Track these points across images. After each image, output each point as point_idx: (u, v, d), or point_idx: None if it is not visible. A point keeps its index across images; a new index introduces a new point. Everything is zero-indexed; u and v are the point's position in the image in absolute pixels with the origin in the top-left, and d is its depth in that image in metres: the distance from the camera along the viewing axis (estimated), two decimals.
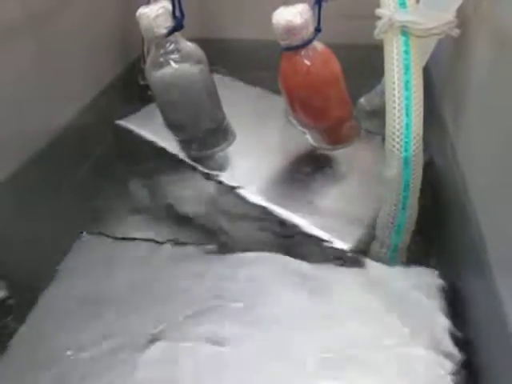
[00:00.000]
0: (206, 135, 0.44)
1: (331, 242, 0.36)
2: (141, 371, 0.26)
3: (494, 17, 0.33)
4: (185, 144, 0.45)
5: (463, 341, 0.27)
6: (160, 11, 0.38)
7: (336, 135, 0.43)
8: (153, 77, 0.41)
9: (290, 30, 0.36)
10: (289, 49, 0.37)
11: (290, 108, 0.41)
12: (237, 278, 0.31)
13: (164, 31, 0.39)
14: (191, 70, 0.40)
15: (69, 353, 0.27)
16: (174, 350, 0.27)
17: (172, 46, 0.40)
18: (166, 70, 0.40)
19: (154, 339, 0.27)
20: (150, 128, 0.49)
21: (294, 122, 0.43)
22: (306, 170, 0.43)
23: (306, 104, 0.40)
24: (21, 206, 0.42)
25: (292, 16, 0.36)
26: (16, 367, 0.27)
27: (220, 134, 0.44)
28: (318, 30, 0.37)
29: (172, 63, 0.40)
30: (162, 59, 0.40)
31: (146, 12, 0.38)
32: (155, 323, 0.28)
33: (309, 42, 0.37)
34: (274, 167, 0.44)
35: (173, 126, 0.44)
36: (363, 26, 0.37)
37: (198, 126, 0.43)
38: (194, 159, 0.45)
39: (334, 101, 0.40)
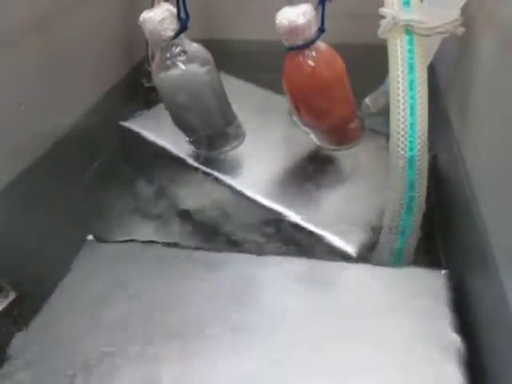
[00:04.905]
0: (216, 135, 0.44)
1: (336, 244, 0.36)
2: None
3: (499, 15, 0.33)
4: (195, 144, 0.45)
5: (469, 341, 0.27)
6: (165, 14, 0.38)
7: (340, 136, 0.43)
8: (160, 80, 0.41)
9: (292, 30, 0.36)
10: (292, 48, 0.37)
11: (294, 108, 0.41)
12: (243, 279, 0.31)
13: (170, 34, 0.38)
14: (198, 71, 0.40)
15: (72, 361, 0.27)
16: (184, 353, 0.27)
17: (178, 48, 0.40)
18: (174, 73, 0.40)
19: (162, 346, 0.27)
20: (155, 129, 0.49)
21: (298, 122, 0.43)
22: (311, 170, 0.43)
23: (310, 104, 0.40)
24: (26, 208, 0.42)
25: (295, 16, 0.36)
26: (18, 373, 0.27)
27: (230, 133, 0.44)
28: (321, 30, 0.37)
29: (179, 65, 0.40)
30: (168, 62, 0.40)
31: (150, 16, 0.38)
32: (165, 328, 0.28)
33: (312, 41, 0.37)
34: (278, 167, 0.44)
35: (182, 127, 0.44)
36: (367, 26, 0.37)
37: (207, 127, 0.43)
38: (200, 160, 0.45)
39: (337, 101, 0.40)
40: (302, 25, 0.36)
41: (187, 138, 0.45)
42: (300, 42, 0.37)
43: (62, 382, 0.26)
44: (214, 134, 0.44)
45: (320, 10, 0.37)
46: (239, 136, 0.45)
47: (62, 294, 0.31)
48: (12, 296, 0.34)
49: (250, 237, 0.41)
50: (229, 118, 0.44)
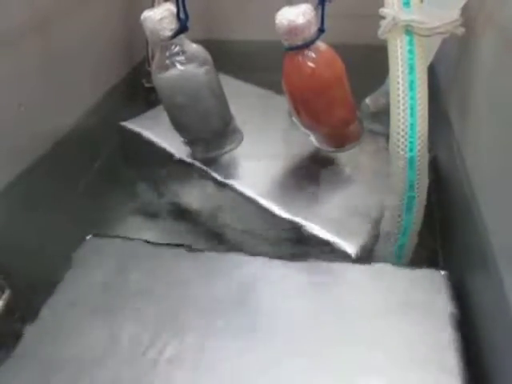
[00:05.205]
0: (214, 136, 0.44)
1: (336, 245, 0.36)
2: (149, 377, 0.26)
3: (499, 15, 0.33)
4: (192, 145, 0.45)
5: (469, 341, 0.27)
6: (165, 14, 0.38)
7: (340, 138, 0.43)
8: (159, 80, 0.41)
9: (292, 30, 0.36)
10: (291, 49, 0.37)
11: (293, 109, 0.41)
12: (242, 280, 0.31)
13: (169, 33, 0.39)
14: (197, 71, 0.40)
15: (75, 359, 0.27)
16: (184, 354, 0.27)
17: (177, 48, 0.40)
18: (172, 73, 0.40)
19: (163, 345, 0.28)
20: (155, 130, 0.49)
21: (298, 123, 0.43)
22: (310, 171, 0.43)
23: (310, 105, 0.40)
24: (27, 208, 0.42)
25: (294, 16, 0.36)
26: (20, 371, 0.27)
27: (227, 135, 0.44)
28: (321, 30, 0.37)
29: (178, 65, 0.40)
30: (167, 62, 0.40)
31: (150, 15, 0.38)
32: (164, 329, 0.28)
33: (311, 42, 0.37)
34: (277, 168, 0.44)
35: (180, 127, 0.44)
36: (367, 26, 0.37)
37: (205, 128, 0.43)
38: (201, 161, 0.45)
39: (337, 102, 0.40)
40: (302, 25, 0.36)
41: (183, 139, 0.45)
42: (299, 42, 0.37)
43: (64, 381, 0.26)
44: (210, 136, 0.44)
45: (320, 10, 0.37)
46: (236, 138, 0.45)
47: (63, 290, 0.31)
48: (6, 294, 0.34)
49: (249, 237, 0.41)
50: (227, 119, 0.44)
